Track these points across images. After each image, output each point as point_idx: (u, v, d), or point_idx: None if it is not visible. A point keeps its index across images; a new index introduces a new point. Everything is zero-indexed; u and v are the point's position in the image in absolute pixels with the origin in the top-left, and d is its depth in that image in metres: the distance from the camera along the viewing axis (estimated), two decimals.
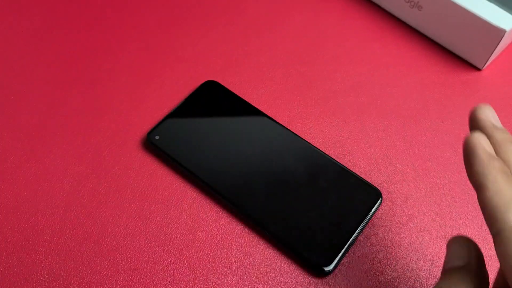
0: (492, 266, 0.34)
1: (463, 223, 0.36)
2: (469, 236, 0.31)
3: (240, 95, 0.42)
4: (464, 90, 0.43)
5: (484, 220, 0.36)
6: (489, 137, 0.27)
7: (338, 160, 0.38)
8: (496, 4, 0.41)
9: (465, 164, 0.26)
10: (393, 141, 0.40)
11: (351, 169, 0.38)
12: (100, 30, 0.46)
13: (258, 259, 0.34)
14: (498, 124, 0.28)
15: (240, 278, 0.33)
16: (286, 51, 0.45)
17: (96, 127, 0.40)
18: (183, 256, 0.34)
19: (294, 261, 0.34)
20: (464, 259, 0.25)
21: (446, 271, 0.25)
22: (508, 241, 0.22)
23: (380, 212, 0.36)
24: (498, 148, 0.26)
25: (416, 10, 0.45)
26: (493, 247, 0.27)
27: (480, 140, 0.25)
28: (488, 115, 0.27)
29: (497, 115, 0.42)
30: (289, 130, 0.39)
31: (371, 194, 0.36)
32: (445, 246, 0.35)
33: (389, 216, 0.36)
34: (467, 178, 0.37)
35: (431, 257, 0.35)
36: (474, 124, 0.28)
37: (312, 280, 0.33)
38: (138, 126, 0.40)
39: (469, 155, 0.25)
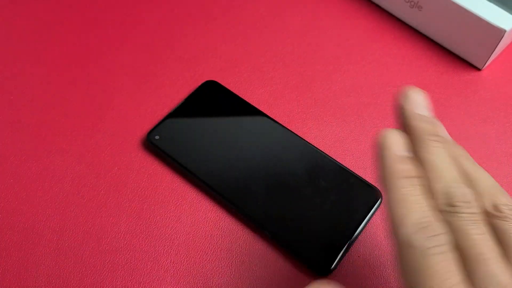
0: None
1: None
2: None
3: (240, 95, 0.42)
4: (464, 90, 0.43)
5: None
6: (410, 130, 0.23)
7: (338, 160, 0.38)
8: (496, 4, 0.41)
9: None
10: None
11: (351, 169, 0.38)
12: (100, 30, 0.46)
13: (258, 259, 0.34)
14: (424, 111, 0.23)
15: (240, 278, 0.33)
16: (286, 51, 0.45)
17: (96, 127, 0.40)
18: (183, 256, 0.34)
19: (294, 261, 0.34)
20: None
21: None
22: (401, 255, 0.21)
23: (380, 212, 0.36)
24: (417, 143, 0.23)
25: (416, 10, 0.45)
26: None
27: (390, 140, 0.23)
28: (413, 102, 0.24)
29: (497, 115, 0.41)
30: (289, 130, 0.39)
31: (371, 194, 0.36)
32: None
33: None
34: None
35: None
36: (398, 114, 0.24)
37: (312, 280, 0.33)
38: (138, 126, 0.40)
39: (378, 157, 0.23)
